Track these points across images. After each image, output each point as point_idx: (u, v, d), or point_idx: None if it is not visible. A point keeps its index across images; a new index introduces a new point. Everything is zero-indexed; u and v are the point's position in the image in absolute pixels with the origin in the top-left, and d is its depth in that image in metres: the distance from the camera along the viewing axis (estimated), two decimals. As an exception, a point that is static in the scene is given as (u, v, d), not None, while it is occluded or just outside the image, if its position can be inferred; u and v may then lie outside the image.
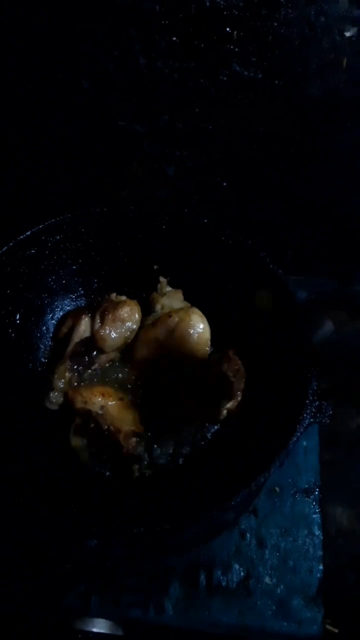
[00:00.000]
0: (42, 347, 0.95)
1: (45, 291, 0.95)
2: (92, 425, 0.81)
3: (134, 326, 0.93)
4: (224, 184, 1.13)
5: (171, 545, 0.82)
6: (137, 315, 0.94)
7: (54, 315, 0.98)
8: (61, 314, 0.99)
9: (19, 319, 0.90)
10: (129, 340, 0.93)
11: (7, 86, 0.97)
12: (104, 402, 0.85)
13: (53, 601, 0.79)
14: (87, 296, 1.01)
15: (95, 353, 0.91)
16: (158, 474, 0.81)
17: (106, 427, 0.80)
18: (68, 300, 1.00)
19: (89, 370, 0.91)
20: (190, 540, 0.82)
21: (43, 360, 0.94)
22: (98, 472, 0.81)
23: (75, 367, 0.90)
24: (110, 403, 0.85)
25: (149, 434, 0.85)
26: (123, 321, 0.92)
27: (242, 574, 0.82)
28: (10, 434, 0.80)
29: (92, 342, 0.90)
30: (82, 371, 0.91)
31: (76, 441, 0.81)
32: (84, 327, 0.90)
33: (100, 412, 0.83)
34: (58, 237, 0.93)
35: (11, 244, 0.87)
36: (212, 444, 0.83)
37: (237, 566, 0.82)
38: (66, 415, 0.85)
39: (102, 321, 0.90)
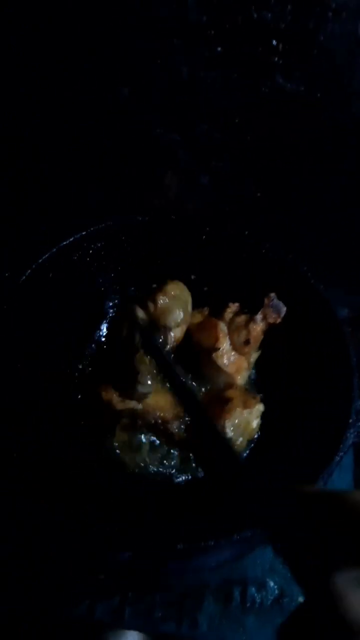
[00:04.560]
0: (79, 353, 0.94)
1: (84, 298, 0.95)
2: (140, 422, 0.81)
3: (188, 298, 0.94)
4: (258, 194, 1.13)
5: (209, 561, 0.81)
6: (185, 290, 0.94)
7: (90, 321, 0.98)
8: (99, 320, 0.99)
9: (57, 325, 0.90)
10: (189, 314, 0.93)
11: (48, 93, 0.97)
12: None
13: (86, 613, 0.78)
14: (124, 304, 1.00)
15: (162, 336, 0.88)
16: (195, 488, 0.81)
17: (153, 421, 0.80)
18: (105, 307, 0.99)
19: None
20: (227, 556, 0.81)
21: (80, 367, 0.94)
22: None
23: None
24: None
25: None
26: (175, 297, 0.91)
27: (276, 591, 0.81)
28: (50, 441, 0.79)
29: (156, 324, 0.88)
30: None
31: (122, 436, 0.82)
32: (140, 316, 0.88)
33: (140, 406, 0.83)
34: (99, 244, 0.93)
35: (54, 250, 0.87)
36: (251, 462, 0.83)
37: (271, 584, 0.82)
38: (105, 417, 0.84)
39: (156, 301, 0.89)
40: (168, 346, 0.88)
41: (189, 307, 0.93)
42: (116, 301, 1.01)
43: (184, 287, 0.94)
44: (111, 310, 1.00)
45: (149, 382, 0.83)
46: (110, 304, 1.00)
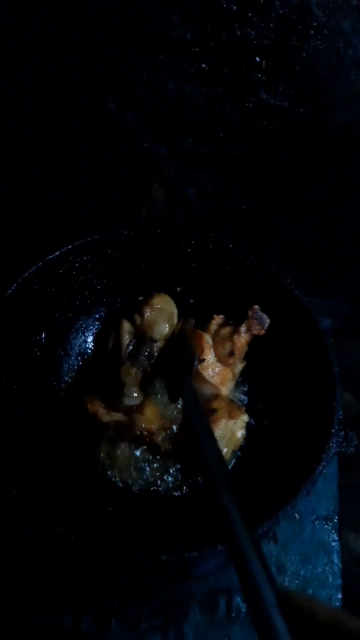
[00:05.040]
0: (65, 366, 0.95)
1: (71, 311, 0.96)
2: (126, 434, 0.81)
3: (174, 310, 0.95)
4: (244, 207, 1.14)
5: (194, 572, 0.81)
6: (171, 302, 0.95)
7: (77, 334, 0.98)
8: (86, 333, 1.00)
9: (44, 338, 0.90)
10: (174, 328, 0.94)
11: (34, 106, 0.98)
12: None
13: (71, 624, 0.78)
14: (110, 317, 1.01)
15: (148, 348, 0.90)
16: (181, 498, 0.81)
17: (139, 433, 0.81)
18: (91, 319, 1.00)
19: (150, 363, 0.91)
20: (212, 567, 0.82)
21: (66, 379, 0.94)
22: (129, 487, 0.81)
23: (136, 365, 0.89)
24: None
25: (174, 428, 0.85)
26: (161, 309, 0.92)
27: (261, 601, 0.82)
28: (35, 452, 0.79)
29: (142, 336, 0.90)
30: (145, 366, 0.90)
31: (108, 448, 0.82)
32: (127, 328, 0.90)
33: (126, 419, 0.83)
34: (85, 258, 0.93)
35: (40, 263, 0.87)
36: (235, 472, 0.83)
37: (256, 593, 0.82)
38: (92, 429, 0.85)
39: (142, 314, 0.90)
40: (153, 360, 0.89)
41: (175, 320, 0.94)
42: (102, 314, 1.01)
43: (169, 299, 0.95)
44: (97, 323, 1.01)
45: (135, 395, 0.84)
46: (97, 316, 1.01)
